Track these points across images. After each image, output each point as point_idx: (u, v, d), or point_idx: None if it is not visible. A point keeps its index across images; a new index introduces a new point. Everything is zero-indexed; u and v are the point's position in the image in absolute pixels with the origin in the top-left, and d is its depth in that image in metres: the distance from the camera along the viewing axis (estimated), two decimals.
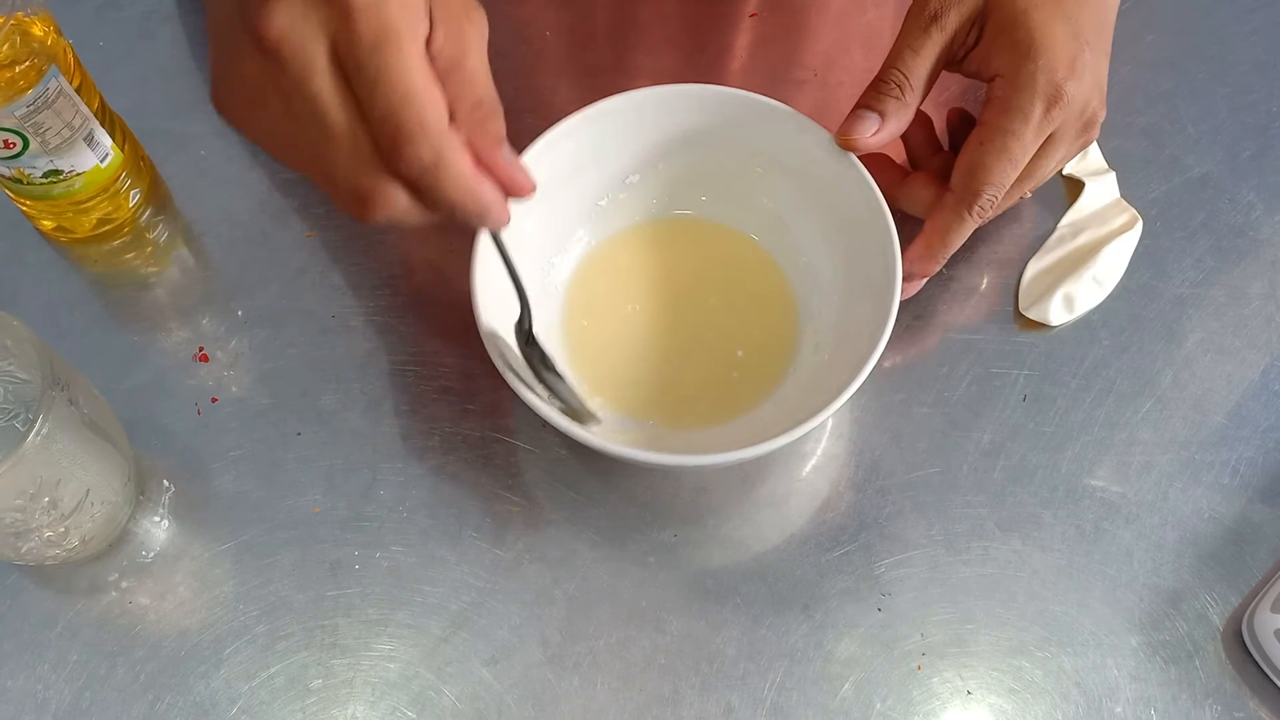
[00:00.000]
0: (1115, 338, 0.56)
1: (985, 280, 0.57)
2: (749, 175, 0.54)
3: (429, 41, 0.36)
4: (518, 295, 0.45)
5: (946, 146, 0.56)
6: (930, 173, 0.54)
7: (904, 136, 0.54)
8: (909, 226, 0.57)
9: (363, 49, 0.34)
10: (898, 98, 0.50)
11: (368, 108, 0.35)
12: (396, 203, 0.36)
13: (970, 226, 0.50)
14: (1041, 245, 0.57)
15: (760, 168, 0.53)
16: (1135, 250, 0.57)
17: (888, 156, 0.55)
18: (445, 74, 0.36)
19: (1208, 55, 0.63)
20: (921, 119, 0.55)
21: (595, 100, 0.51)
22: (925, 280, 0.53)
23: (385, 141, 0.35)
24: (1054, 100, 0.48)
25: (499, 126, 0.38)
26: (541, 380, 0.47)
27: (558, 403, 0.47)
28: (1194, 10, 0.65)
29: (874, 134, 0.50)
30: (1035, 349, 0.55)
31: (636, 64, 0.63)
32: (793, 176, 0.53)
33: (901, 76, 0.50)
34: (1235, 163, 0.60)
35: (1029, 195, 0.55)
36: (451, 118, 0.36)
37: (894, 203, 0.55)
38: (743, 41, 0.63)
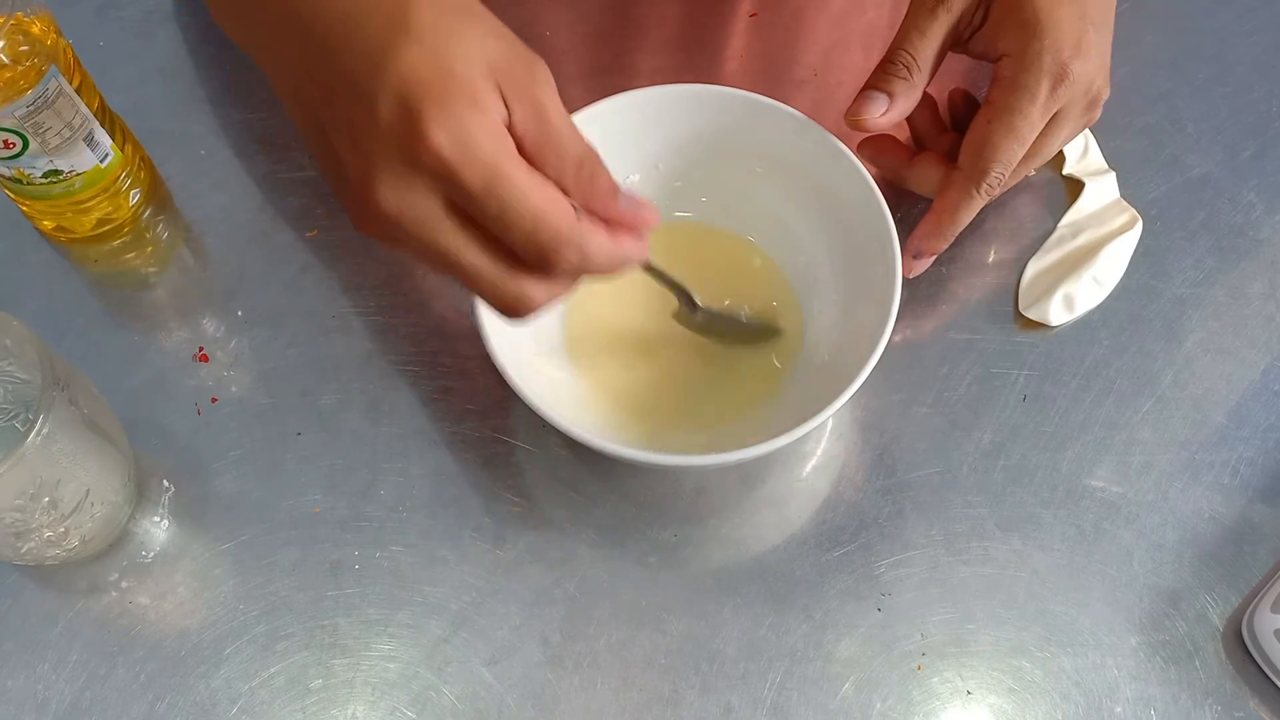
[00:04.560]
0: (1115, 338, 0.56)
1: (985, 280, 0.57)
2: (749, 175, 0.54)
3: (510, 124, 0.36)
4: (676, 289, 0.50)
5: (949, 127, 0.57)
6: (937, 152, 0.54)
7: (909, 118, 0.55)
8: (908, 224, 0.57)
9: (478, 198, 0.35)
10: (905, 78, 0.51)
11: (504, 238, 0.36)
12: (544, 297, 0.38)
13: (978, 204, 0.51)
14: (1041, 245, 0.57)
15: (760, 168, 0.53)
16: (1135, 250, 0.57)
17: (894, 137, 0.56)
18: (537, 146, 0.37)
19: (1208, 55, 0.63)
20: (927, 100, 0.55)
21: (595, 100, 0.51)
22: (934, 259, 0.54)
23: (533, 261, 0.37)
24: (1060, 79, 0.48)
25: (607, 178, 0.38)
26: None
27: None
28: (1194, 10, 0.65)
29: (883, 114, 0.51)
30: (1035, 349, 0.55)
31: (636, 64, 0.63)
32: (793, 176, 0.53)
33: (909, 57, 0.51)
34: (1235, 163, 0.60)
35: (1034, 173, 0.56)
36: (562, 187, 0.37)
37: (902, 183, 0.55)
38: (742, 41, 0.63)
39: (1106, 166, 0.59)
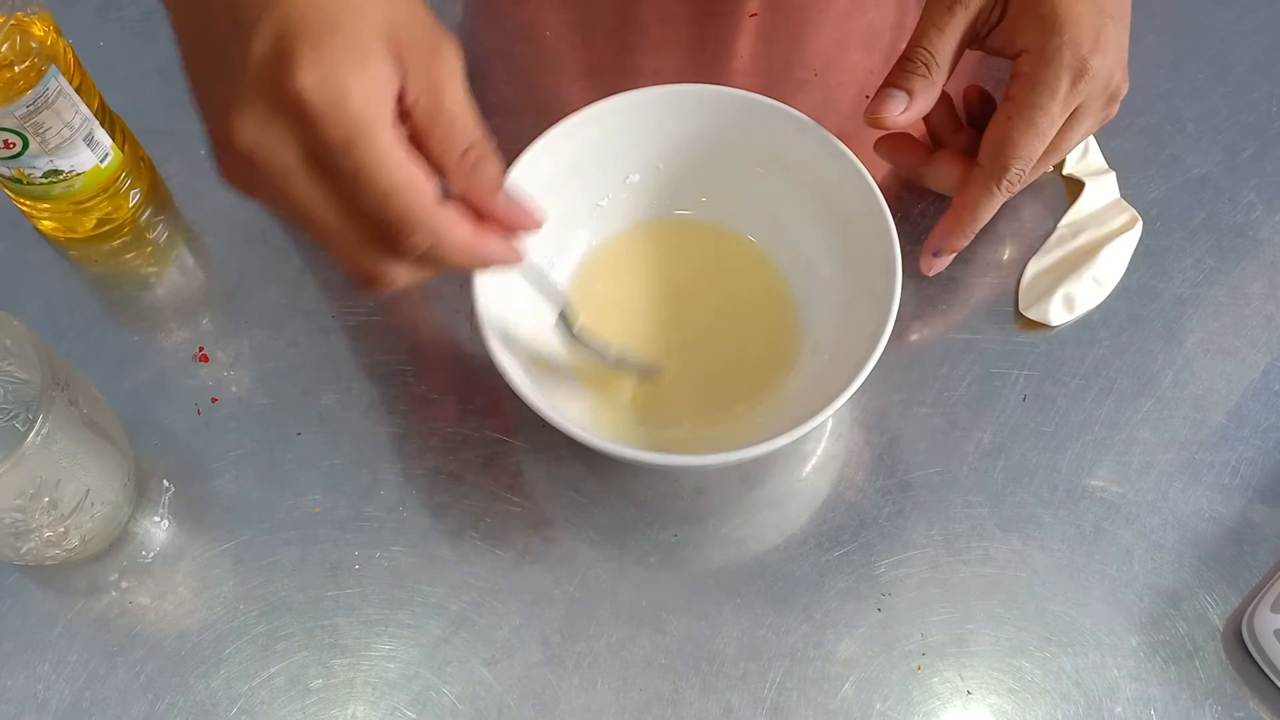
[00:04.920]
0: (1115, 338, 0.56)
1: (985, 280, 0.57)
2: (749, 175, 0.54)
3: (402, 94, 0.35)
4: (553, 302, 0.48)
5: (965, 123, 0.57)
6: (954, 149, 0.54)
7: (926, 115, 0.55)
8: (908, 224, 0.57)
9: (334, 153, 0.34)
10: (924, 75, 0.51)
11: (353, 205, 0.35)
12: (402, 277, 0.37)
13: (999, 200, 0.51)
14: (1041, 245, 0.57)
15: (760, 168, 0.53)
16: (1135, 250, 0.57)
17: (911, 135, 0.56)
18: (426, 125, 0.36)
19: (1208, 55, 0.63)
20: (943, 97, 0.55)
21: (595, 100, 0.51)
22: (954, 255, 0.54)
23: (379, 235, 0.35)
24: (1080, 74, 0.48)
25: (493, 169, 0.37)
26: (605, 356, 0.50)
27: (625, 367, 0.50)
28: (1194, 10, 0.65)
29: (902, 112, 0.51)
30: (1035, 349, 0.55)
31: (637, 64, 0.63)
32: (793, 176, 0.53)
33: (928, 55, 0.51)
34: (1235, 163, 0.60)
35: (1051, 169, 0.56)
36: (443, 170, 0.36)
37: (920, 181, 0.55)
38: (743, 41, 0.63)
39: (1106, 166, 0.59)
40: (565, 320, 0.49)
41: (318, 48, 0.33)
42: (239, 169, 0.35)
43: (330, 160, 0.34)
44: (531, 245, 0.51)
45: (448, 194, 0.37)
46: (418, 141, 0.36)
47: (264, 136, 0.34)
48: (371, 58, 0.34)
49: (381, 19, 0.34)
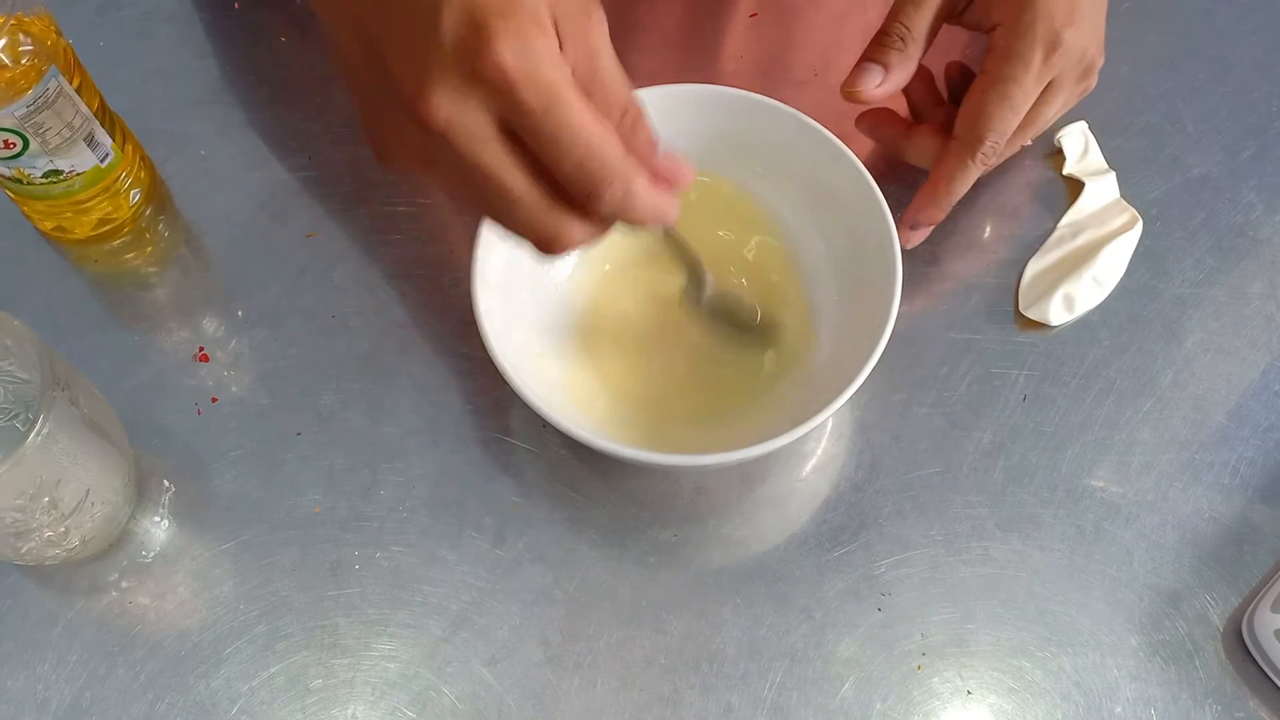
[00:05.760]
0: (1115, 338, 0.56)
1: (985, 280, 0.57)
2: (749, 175, 0.54)
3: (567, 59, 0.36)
4: (689, 266, 0.49)
5: (947, 99, 0.57)
6: (934, 124, 0.55)
7: (906, 90, 0.55)
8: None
9: (534, 118, 0.35)
10: (900, 49, 0.51)
11: (552, 165, 0.36)
12: (581, 235, 0.38)
13: (974, 173, 0.52)
14: (1041, 245, 0.57)
15: (760, 168, 0.53)
16: (1135, 250, 0.57)
17: (892, 110, 0.56)
18: (587, 88, 0.36)
19: (1208, 55, 0.63)
20: (923, 73, 0.56)
21: None
22: (930, 229, 0.54)
23: (579, 191, 0.36)
24: (1053, 47, 0.49)
25: (649, 130, 0.38)
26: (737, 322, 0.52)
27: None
28: (1194, 10, 0.65)
29: (878, 86, 0.52)
30: (1035, 349, 0.55)
31: (636, 64, 0.63)
32: (792, 176, 0.53)
33: (904, 29, 0.51)
34: (1235, 163, 0.60)
35: (1029, 143, 0.57)
36: None
37: (900, 155, 0.56)
38: (742, 42, 0.63)
39: (1106, 166, 0.59)
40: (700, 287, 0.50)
41: (508, 20, 0.34)
42: (425, 146, 0.36)
43: (530, 125, 0.35)
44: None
45: None
46: None
47: (462, 108, 0.34)
48: (549, 27, 0.35)
49: None
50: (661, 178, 0.39)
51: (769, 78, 0.62)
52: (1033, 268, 0.57)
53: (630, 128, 0.38)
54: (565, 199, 0.37)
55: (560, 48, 0.36)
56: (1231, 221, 0.59)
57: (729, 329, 0.53)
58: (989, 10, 0.51)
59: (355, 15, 0.37)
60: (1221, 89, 0.62)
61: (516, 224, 0.37)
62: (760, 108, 0.51)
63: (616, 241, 0.55)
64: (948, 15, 0.52)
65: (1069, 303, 0.55)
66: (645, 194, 0.37)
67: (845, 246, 0.51)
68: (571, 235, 0.38)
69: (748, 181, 0.54)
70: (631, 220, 0.38)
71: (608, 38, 0.37)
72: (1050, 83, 0.51)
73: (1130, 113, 0.61)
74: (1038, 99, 0.51)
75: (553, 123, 0.35)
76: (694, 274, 0.50)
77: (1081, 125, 0.60)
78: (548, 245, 0.38)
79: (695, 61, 0.63)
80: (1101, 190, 0.58)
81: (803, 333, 0.53)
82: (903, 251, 0.48)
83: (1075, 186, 0.59)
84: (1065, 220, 0.58)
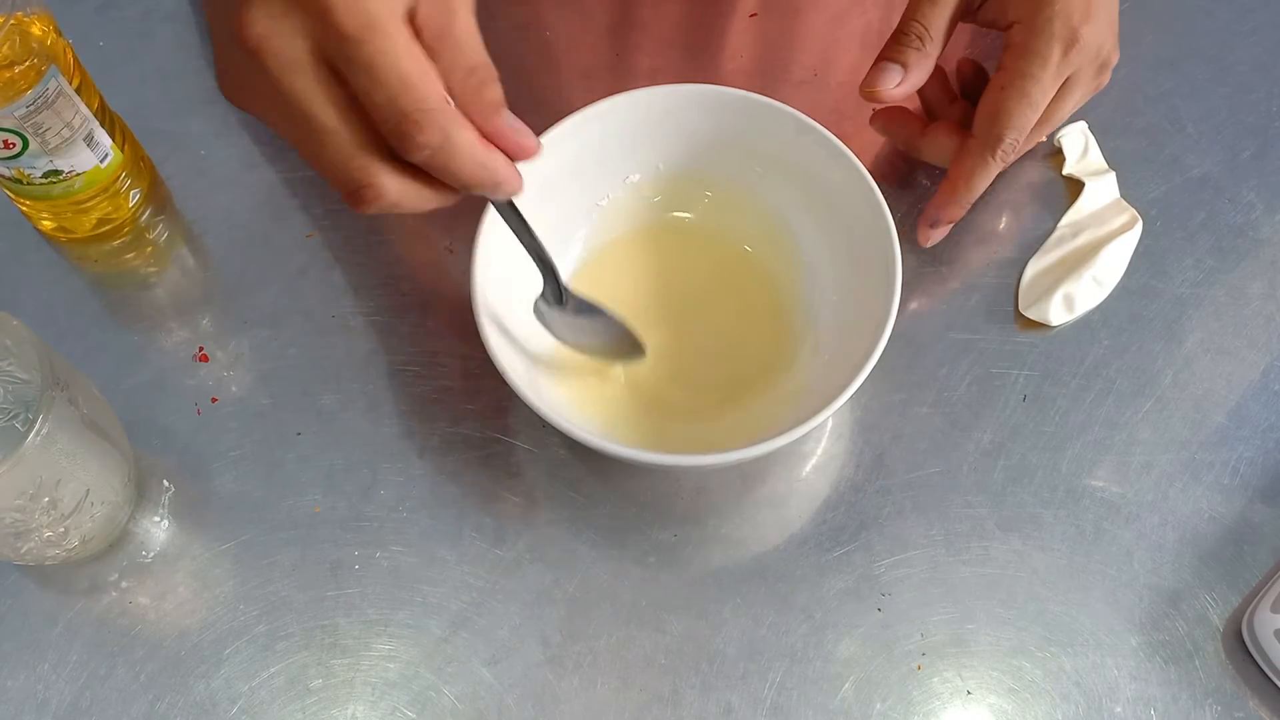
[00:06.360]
0: (1115, 338, 0.56)
1: (985, 280, 0.57)
2: (749, 175, 0.54)
3: (414, 12, 0.35)
4: (539, 261, 0.45)
5: (959, 96, 0.57)
6: (949, 121, 0.55)
7: (920, 89, 0.55)
8: (909, 224, 0.57)
9: (349, 44, 0.34)
10: (918, 48, 0.51)
11: (365, 100, 0.35)
12: (393, 191, 0.36)
13: (994, 170, 0.52)
14: (1041, 245, 0.57)
15: (760, 168, 0.53)
16: (1135, 250, 0.57)
17: (907, 108, 0.57)
18: (434, 44, 0.36)
19: (1208, 55, 0.63)
20: (937, 71, 0.56)
21: (595, 100, 0.51)
22: (950, 227, 0.55)
23: (389, 130, 0.35)
24: (1071, 44, 0.49)
25: (496, 92, 0.37)
26: (587, 332, 0.48)
27: (614, 336, 0.49)
28: (1194, 10, 0.65)
29: (897, 85, 0.52)
30: (1035, 349, 0.55)
31: (636, 64, 0.63)
32: (792, 176, 0.53)
33: (921, 28, 0.51)
34: (1235, 163, 0.60)
35: (1045, 139, 0.57)
36: (447, 90, 0.36)
37: (916, 153, 0.56)
38: (742, 41, 0.63)
39: (1106, 166, 0.59)
40: (550, 289, 0.47)
41: None
42: (244, 70, 0.35)
43: (344, 51, 0.34)
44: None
45: None
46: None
47: (276, 29, 0.34)
48: None
49: None
50: (500, 143, 0.37)
51: (769, 78, 0.62)
52: (1033, 268, 0.57)
53: (475, 88, 0.36)
54: (382, 146, 0.35)
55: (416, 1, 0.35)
56: (1231, 221, 0.59)
57: (590, 341, 0.50)
58: (1006, 8, 0.51)
59: None
60: (1221, 89, 0.62)
61: (324, 165, 0.36)
62: (760, 108, 0.51)
63: (617, 242, 0.55)
64: (964, 13, 0.52)
65: (1069, 303, 0.55)
66: (470, 148, 0.36)
67: (845, 246, 0.51)
68: (383, 186, 0.36)
69: (748, 181, 0.54)
70: (452, 177, 0.36)
71: (470, 2, 0.36)
72: (1067, 79, 0.51)
73: (1130, 113, 0.61)
74: (1055, 96, 0.51)
75: (368, 51, 0.33)
76: (545, 272, 0.46)
77: (1081, 125, 0.60)
78: (356, 194, 0.36)
79: (695, 61, 0.62)
80: (1101, 190, 0.58)
81: (802, 333, 0.53)
82: (902, 251, 0.48)
83: (1075, 186, 0.59)
84: (1065, 220, 0.58)
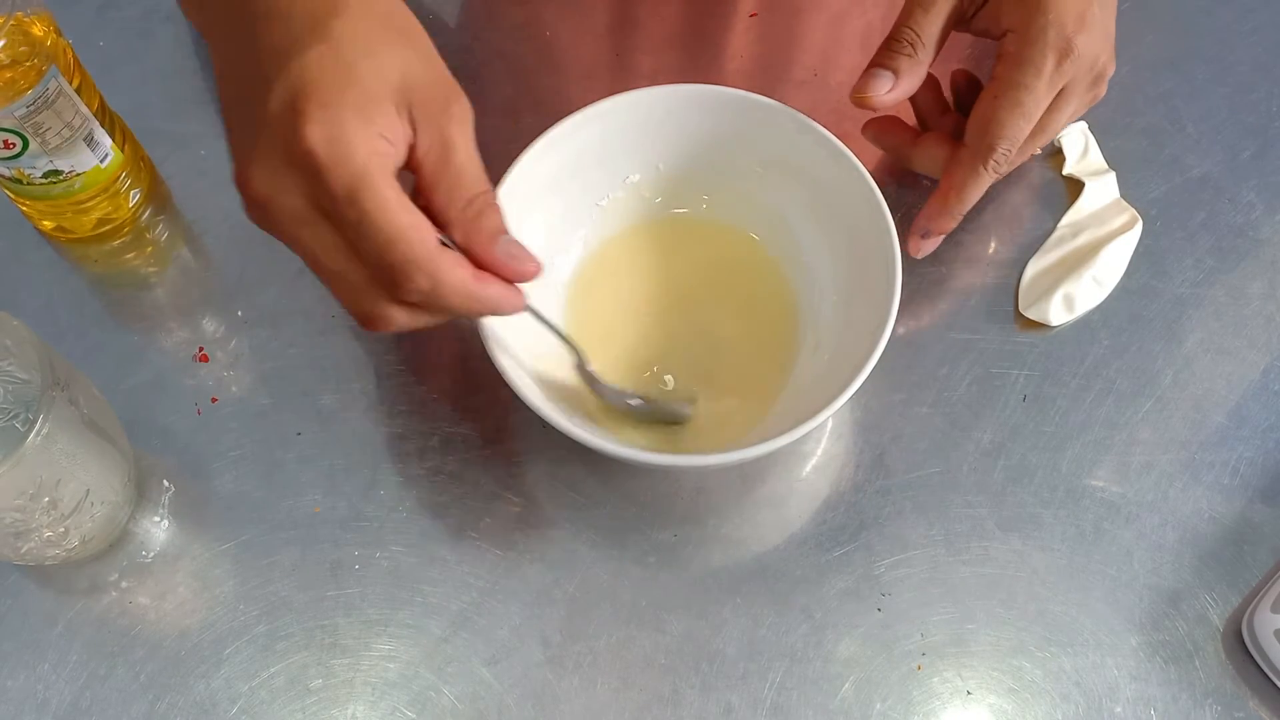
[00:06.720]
0: (1115, 338, 0.56)
1: (985, 280, 0.57)
2: (749, 175, 0.54)
3: (413, 147, 0.37)
4: (567, 344, 0.48)
5: (952, 107, 0.57)
6: (941, 132, 0.54)
7: (913, 98, 0.55)
8: (909, 224, 0.57)
9: (339, 204, 0.36)
10: (910, 55, 0.51)
11: (358, 251, 0.37)
12: (400, 320, 0.39)
13: (986, 181, 0.51)
14: (1041, 245, 0.57)
15: (760, 167, 0.53)
16: (1135, 250, 0.57)
17: (899, 118, 0.56)
18: (433, 176, 0.38)
19: (1208, 55, 0.63)
20: (930, 81, 0.55)
21: (595, 100, 0.51)
22: (941, 238, 0.54)
23: (382, 279, 0.37)
24: (1065, 54, 0.49)
25: (494, 220, 0.39)
26: (628, 409, 0.50)
27: (654, 412, 0.50)
28: (1194, 10, 0.65)
29: (888, 91, 0.51)
30: (1035, 349, 0.55)
31: (636, 64, 0.63)
32: (792, 176, 0.53)
33: (914, 34, 0.51)
34: (1235, 163, 0.60)
35: (1039, 152, 0.56)
36: (446, 221, 0.38)
37: (907, 163, 0.56)
38: (742, 41, 0.63)
39: (1106, 166, 0.59)
40: (582, 365, 0.49)
41: (325, 106, 0.35)
42: (256, 216, 0.38)
43: (336, 210, 0.36)
44: (532, 245, 0.51)
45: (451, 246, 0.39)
46: (425, 192, 0.38)
47: (276, 187, 0.36)
48: (379, 114, 0.36)
49: (397, 76, 0.37)
50: (498, 271, 0.39)
51: (769, 78, 0.62)
52: (1033, 268, 0.57)
53: (472, 218, 0.38)
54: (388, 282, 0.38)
55: (414, 135, 0.37)
56: (1231, 221, 0.59)
57: (627, 415, 0.51)
58: (999, 16, 0.50)
59: (227, 78, 0.39)
60: (1221, 89, 0.62)
61: (338, 297, 0.39)
62: (760, 108, 0.51)
63: (617, 242, 0.55)
64: (957, 21, 0.52)
65: (1069, 303, 0.55)
66: (460, 286, 0.38)
67: (845, 246, 0.51)
68: (391, 318, 0.38)
69: (748, 181, 0.54)
70: (447, 313, 0.39)
71: (468, 126, 0.38)
72: (1061, 90, 0.50)
73: (1130, 113, 0.61)
74: (1049, 106, 0.50)
75: (357, 209, 0.36)
76: (575, 357, 0.49)
77: (1081, 125, 0.60)
78: (368, 324, 0.39)
79: (695, 61, 0.63)
80: (1101, 190, 0.58)
81: (802, 333, 0.53)
82: (902, 251, 0.48)
83: (1075, 186, 0.59)
84: (1065, 220, 0.58)
